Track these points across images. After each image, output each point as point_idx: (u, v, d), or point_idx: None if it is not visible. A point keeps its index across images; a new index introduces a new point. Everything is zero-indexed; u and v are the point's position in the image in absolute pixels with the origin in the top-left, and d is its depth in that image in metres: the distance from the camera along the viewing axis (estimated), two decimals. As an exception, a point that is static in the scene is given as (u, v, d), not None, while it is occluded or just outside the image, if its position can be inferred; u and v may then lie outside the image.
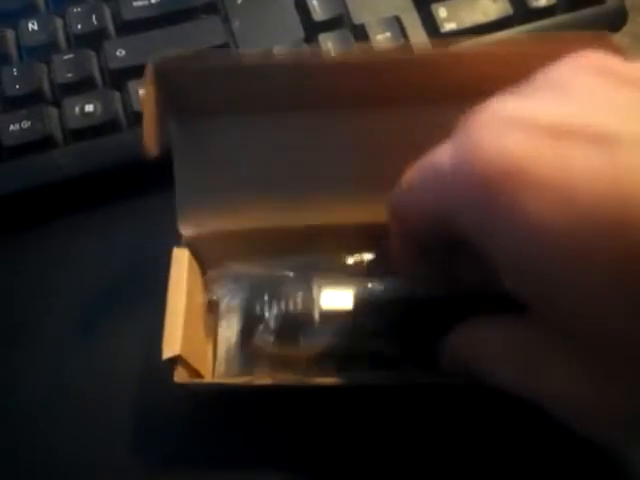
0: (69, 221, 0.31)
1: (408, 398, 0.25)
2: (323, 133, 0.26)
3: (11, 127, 0.30)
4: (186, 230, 0.26)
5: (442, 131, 0.23)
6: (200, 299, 0.27)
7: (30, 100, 0.31)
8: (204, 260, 0.27)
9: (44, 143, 0.30)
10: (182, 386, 0.24)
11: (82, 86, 0.31)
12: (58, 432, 0.27)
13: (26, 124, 0.30)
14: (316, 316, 0.25)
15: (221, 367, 0.27)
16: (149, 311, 0.24)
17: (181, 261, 0.26)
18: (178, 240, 0.26)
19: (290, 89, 0.25)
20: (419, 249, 0.23)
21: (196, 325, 0.26)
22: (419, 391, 0.24)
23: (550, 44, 0.21)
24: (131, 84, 0.31)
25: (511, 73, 0.20)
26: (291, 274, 0.27)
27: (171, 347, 0.23)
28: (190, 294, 0.25)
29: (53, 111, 0.31)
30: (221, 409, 0.26)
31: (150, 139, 0.23)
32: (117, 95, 0.31)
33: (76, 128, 0.30)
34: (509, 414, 0.25)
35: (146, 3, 0.33)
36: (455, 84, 0.23)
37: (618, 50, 0.22)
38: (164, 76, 0.24)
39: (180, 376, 0.24)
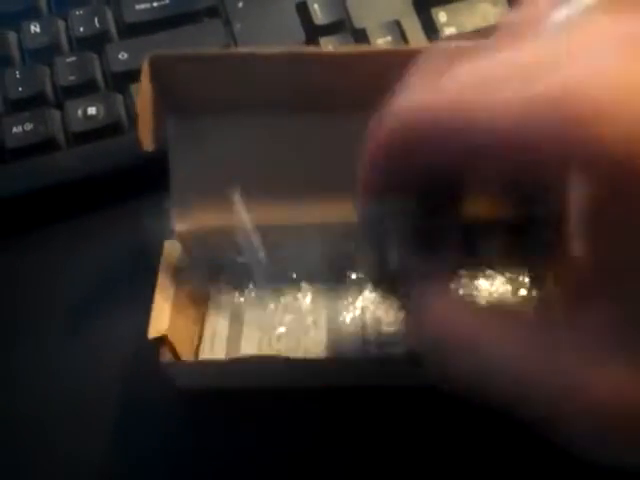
0: (71, 223, 0.31)
1: (393, 398, 0.25)
2: (318, 133, 0.26)
3: (14, 129, 0.30)
4: (179, 225, 0.26)
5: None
6: (189, 288, 0.27)
7: (33, 102, 0.31)
8: (196, 255, 0.28)
9: (47, 145, 0.31)
10: (168, 381, 0.24)
11: (85, 89, 0.31)
12: (57, 431, 0.27)
13: (29, 126, 0.30)
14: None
15: (205, 351, 0.27)
16: (148, 313, 0.25)
17: (172, 252, 0.26)
18: (171, 235, 0.26)
19: (287, 89, 0.25)
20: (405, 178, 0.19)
21: (183, 312, 0.26)
22: (406, 392, 0.25)
23: None
24: (133, 87, 0.31)
25: None
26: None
27: (157, 327, 0.24)
28: (180, 283, 0.26)
29: (56, 114, 0.31)
30: (206, 406, 0.26)
31: (145, 133, 0.23)
32: (119, 98, 0.31)
33: (79, 131, 0.31)
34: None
35: (148, 6, 0.33)
36: None
37: None
38: (160, 72, 0.24)
39: (165, 356, 0.24)
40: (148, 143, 0.24)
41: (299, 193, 0.27)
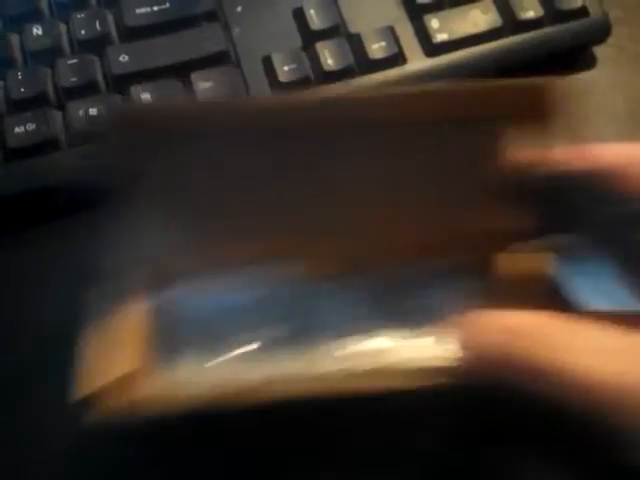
0: (73, 222, 0.31)
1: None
2: (291, 165, 0.26)
3: (16, 129, 0.31)
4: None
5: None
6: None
7: (35, 103, 0.32)
8: None
9: (48, 145, 0.31)
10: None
11: (86, 90, 0.32)
12: (57, 430, 0.27)
13: (31, 127, 0.31)
14: None
15: None
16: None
17: None
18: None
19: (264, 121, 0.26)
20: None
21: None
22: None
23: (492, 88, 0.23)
24: (134, 89, 0.32)
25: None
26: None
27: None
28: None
29: (57, 114, 0.32)
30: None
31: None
32: (120, 99, 0.32)
33: (80, 131, 0.31)
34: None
35: (148, 10, 0.33)
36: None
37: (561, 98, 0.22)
38: (133, 114, 0.24)
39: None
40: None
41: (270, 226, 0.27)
